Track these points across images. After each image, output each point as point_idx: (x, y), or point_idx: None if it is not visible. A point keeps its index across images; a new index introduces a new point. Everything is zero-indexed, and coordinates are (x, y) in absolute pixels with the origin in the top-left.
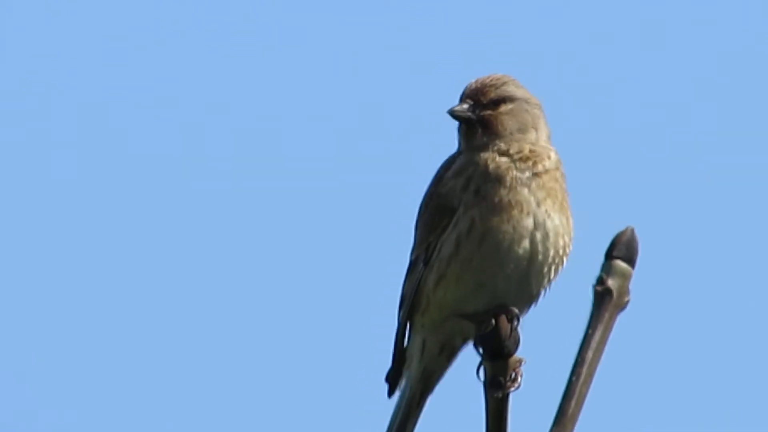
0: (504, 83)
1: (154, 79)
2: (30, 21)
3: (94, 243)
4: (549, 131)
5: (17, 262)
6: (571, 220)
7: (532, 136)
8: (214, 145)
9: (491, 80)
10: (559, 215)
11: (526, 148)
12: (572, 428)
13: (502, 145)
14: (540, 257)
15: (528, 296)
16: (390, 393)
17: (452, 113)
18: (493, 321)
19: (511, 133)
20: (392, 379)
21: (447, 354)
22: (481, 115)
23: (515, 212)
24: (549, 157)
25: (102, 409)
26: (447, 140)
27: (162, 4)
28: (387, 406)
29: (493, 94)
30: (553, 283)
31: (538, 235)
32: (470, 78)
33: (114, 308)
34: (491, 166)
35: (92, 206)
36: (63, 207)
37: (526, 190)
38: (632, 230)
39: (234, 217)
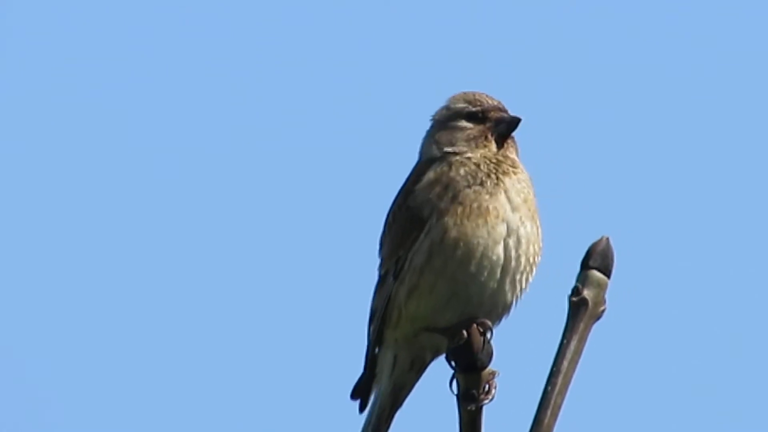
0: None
1: (151, 78)
2: (29, 21)
3: (94, 243)
4: None
5: (17, 262)
6: (540, 230)
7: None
8: (197, 149)
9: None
10: (531, 223)
11: (509, 159)
12: None
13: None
14: (513, 263)
15: (501, 306)
16: (361, 409)
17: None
18: (465, 334)
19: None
20: (362, 395)
21: (417, 368)
22: None
23: (491, 218)
24: (522, 171)
25: (101, 409)
26: (406, 151)
27: (160, 4)
28: (355, 422)
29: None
30: (524, 294)
31: (511, 242)
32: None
33: (113, 308)
34: (474, 172)
35: (91, 206)
36: (59, 207)
37: (503, 196)
38: (607, 240)
39: (204, 222)
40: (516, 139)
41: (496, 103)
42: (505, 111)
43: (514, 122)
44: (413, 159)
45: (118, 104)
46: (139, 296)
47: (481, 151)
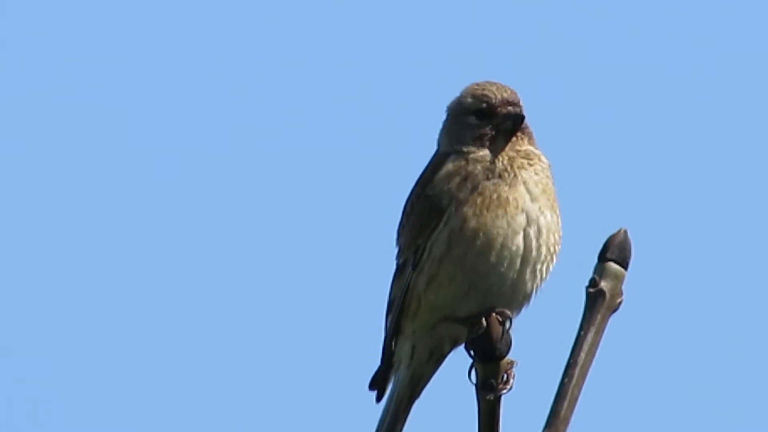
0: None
1: (151, 78)
2: (29, 21)
3: (93, 242)
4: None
5: (17, 262)
6: (560, 219)
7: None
8: (197, 148)
9: (510, 89)
10: (551, 212)
11: (528, 150)
12: (564, 430)
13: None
14: (534, 254)
15: (521, 296)
16: (378, 399)
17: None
18: (485, 323)
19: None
20: (379, 385)
21: (435, 359)
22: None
23: (510, 208)
24: (541, 159)
25: (102, 409)
26: (425, 141)
27: (160, 4)
28: (373, 412)
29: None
30: (544, 282)
31: (531, 232)
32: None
33: (115, 307)
34: (495, 163)
35: (91, 206)
36: (56, 207)
37: (523, 187)
38: (625, 232)
39: (214, 219)
40: (530, 125)
41: (506, 96)
42: (514, 103)
43: (519, 119)
44: (426, 151)
45: (117, 104)
46: (150, 294)
47: (489, 149)
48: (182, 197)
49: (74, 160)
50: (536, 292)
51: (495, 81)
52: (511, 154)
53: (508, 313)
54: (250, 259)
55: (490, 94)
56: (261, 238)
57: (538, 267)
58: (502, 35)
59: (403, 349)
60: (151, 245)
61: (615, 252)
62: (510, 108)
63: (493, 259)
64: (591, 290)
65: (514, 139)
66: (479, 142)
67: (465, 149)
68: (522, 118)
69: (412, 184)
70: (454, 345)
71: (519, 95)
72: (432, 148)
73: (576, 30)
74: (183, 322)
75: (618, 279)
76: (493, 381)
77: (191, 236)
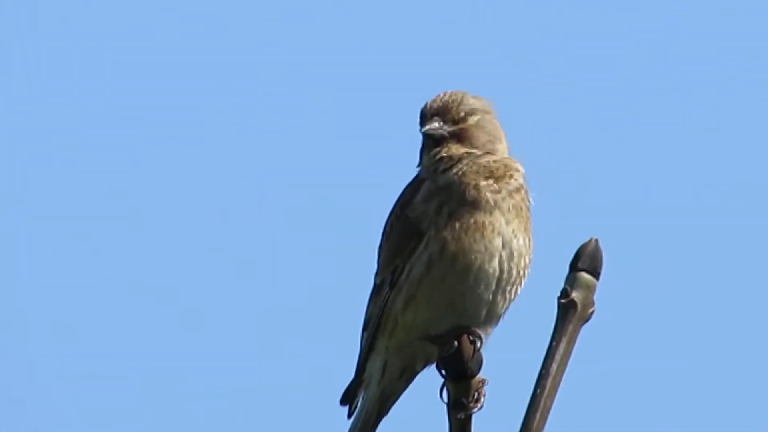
0: (462, 97)
1: (151, 78)
2: (29, 21)
3: (94, 243)
4: (507, 141)
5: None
6: (532, 242)
7: (499, 147)
8: (197, 148)
9: (450, 96)
10: (524, 236)
11: (500, 163)
12: None
13: (481, 161)
14: (505, 276)
15: (494, 317)
16: (350, 414)
17: (427, 133)
18: (456, 343)
19: (483, 145)
20: (351, 399)
21: (407, 377)
22: (452, 130)
23: (487, 232)
24: (518, 171)
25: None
26: (408, 160)
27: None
28: (344, 428)
29: (457, 110)
30: (512, 304)
31: (504, 254)
32: (428, 83)
33: (117, 307)
34: (468, 191)
35: (93, 206)
36: (56, 207)
37: (498, 212)
38: (596, 241)
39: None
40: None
41: (427, 110)
42: (431, 113)
43: (425, 136)
44: (410, 164)
45: (117, 103)
46: (136, 298)
47: (446, 164)
48: (172, 199)
49: (74, 160)
50: (505, 313)
51: (444, 91)
52: (485, 171)
53: (479, 332)
54: (232, 267)
55: (423, 109)
56: (244, 246)
57: (508, 288)
58: (495, 37)
59: (375, 365)
60: (151, 245)
61: (586, 262)
62: (425, 125)
63: (471, 281)
64: (563, 301)
65: (492, 146)
66: (427, 158)
67: (433, 172)
68: (427, 133)
69: (393, 202)
70: (426, 363)
71: (449, 102)
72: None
73: (556, 36)
74: (169, 324)
75: (589, 289)
76: (464, 400)
77: (168, 247)
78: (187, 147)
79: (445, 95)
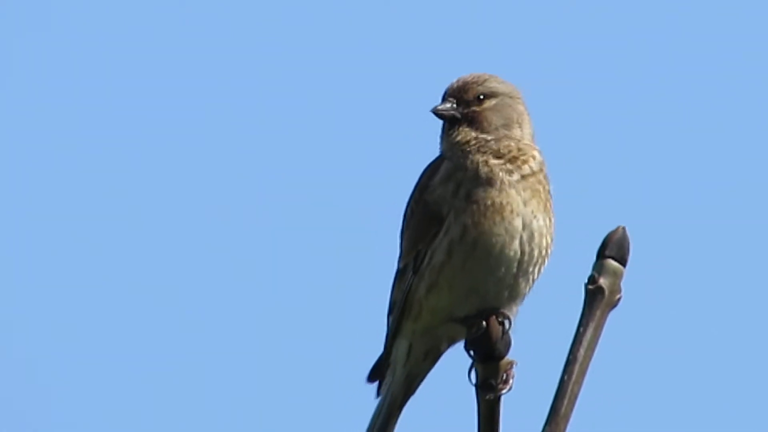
0: (485, 80)
1: (151, 78)
2: (28, 21)
3: (92, 243)
4: (533, 127)
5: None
6: (553, 221)
7: (516, 132)
8: (194, 150)
9: (472, 78)
10: (543, 215)
11: (514, 146)
12: (565, 427)
13: (491, 144)
14: (527, 257)
15: (518, 297)
16: (379, 392)
17: (436, 112)
18: (484, 324)
19: (496, 129)
20: (379, 377)
21: (432, 358)
22: (465, 112)
23: (506, 213)
24: (534, 158)
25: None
26: (430, 143)
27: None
28: (366, 407)
29: (475, 91)
30: (536, 283)
31: (525, 236)
32: (452, 78)
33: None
34: (481, 168)
35: (92, 206)
36: (53, 207)
37: (513, 191)
38: (624, 229)
39: (220, 219)
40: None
41: (448, 90)
42: (448, 93)
43: (440, 117)
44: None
45: (117, 103)
46: (153, 294)
47: (466, 150)
48: (172, 198)
49: (74, 160)
50: (529, 291)
51: (471, 72)
52: (495, 153)
53: (507, 313)
54: (251, 256)
55: (447, 90)
56: (263, 235)
57: (530, 270)
58: (505, 32)
59: (400, 347)
60: (150, 245)
61: (613, 249)
62: (440, 105)
63: (491, 263)
64: (590, 287)
65: (506, 131)
66: (446, 139)
67: (449, 151)
68: (436, 113)
69: (412, 186)
70: (450, 344)
71: (469, 82)
72: (426, 149)
73: (578, 27)
74: (185, 310)
75: (617, 276)
76: (492, 381)
77: (202, 232)
78: (187, 147)
79: (469, 76)
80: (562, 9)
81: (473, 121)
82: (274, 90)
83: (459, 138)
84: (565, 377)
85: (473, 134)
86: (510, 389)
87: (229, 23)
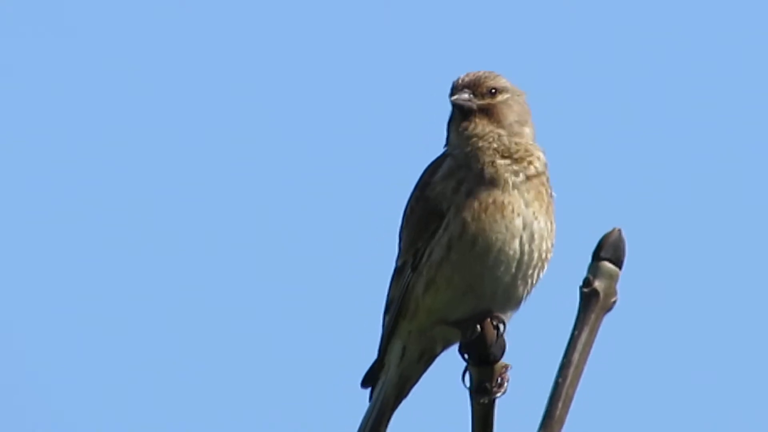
0: (496, 75)
1: (151, 78)
2: (29, 20)
3: (93, 243)
4: (534, 127)
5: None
6: (554, 226)
7: (526, 130)
8: (192, 148)
9: (483, 72)
10: (545, 218)
11: (522, 146)
12: (559, 430)
13: (503, 140)
14: (526, 258)
15: (514, 300)
16: (372, 396)
17: (456, 102)
18: (479, 327)
19: (510, 124)
20: (373, 382)
21: (426, 360)
22: (481, 104)
23: (507, 212)
24: (539, 158)
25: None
26: (430, 143)
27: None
28: (359, 412)
29: (487, 85)
30: (534, 288)
31: (525, 236)
32: (451, 78)
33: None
34: (486, 169)
35: (93, 206)
36: (53, 207)
37: (517, 192)
38: (619, 231)
39: (221, 219)
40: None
41: (459, 82)
42: (462, 85)
43: (457, 108)
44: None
45: (117, 103)
46: (156, 293)
47: (470, 145)
48: (171, 199)
49: (74, 160)
50: (526, 297)
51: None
52: (504, 150)
53: (502, 316)
54: (251, 256)
55: (456, 82)
56: (263, 235)
57: (530, 272)
58: (505, 32)
59: (395, 349)
60: (150, 245)
61: (609, 251)
62: (455, 95)
63: (490, 262)
64: (585, 290)
65: (519, 128)
66: (456, 134)
67: (455, 145)
68: (456, 103)
69: (413, 184)
70: (445, 346)
71: (481, 76)
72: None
73: (572, 28)
74: (181, 311)
75: (612, 278)
76: (487, 384)
77: (202, 233)
78: (187, 147)
79: (478, 71)
80: (563, 9)
81: (489, 114)
82: (274, 90)
83: (477, 130)
84: (560, 381)
85: (489, 127)
86: (504, 393)
87: (229, 23)
